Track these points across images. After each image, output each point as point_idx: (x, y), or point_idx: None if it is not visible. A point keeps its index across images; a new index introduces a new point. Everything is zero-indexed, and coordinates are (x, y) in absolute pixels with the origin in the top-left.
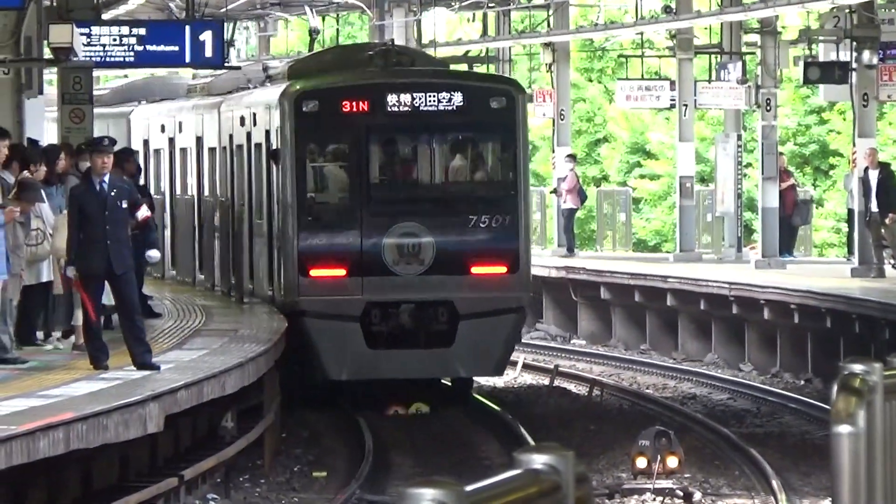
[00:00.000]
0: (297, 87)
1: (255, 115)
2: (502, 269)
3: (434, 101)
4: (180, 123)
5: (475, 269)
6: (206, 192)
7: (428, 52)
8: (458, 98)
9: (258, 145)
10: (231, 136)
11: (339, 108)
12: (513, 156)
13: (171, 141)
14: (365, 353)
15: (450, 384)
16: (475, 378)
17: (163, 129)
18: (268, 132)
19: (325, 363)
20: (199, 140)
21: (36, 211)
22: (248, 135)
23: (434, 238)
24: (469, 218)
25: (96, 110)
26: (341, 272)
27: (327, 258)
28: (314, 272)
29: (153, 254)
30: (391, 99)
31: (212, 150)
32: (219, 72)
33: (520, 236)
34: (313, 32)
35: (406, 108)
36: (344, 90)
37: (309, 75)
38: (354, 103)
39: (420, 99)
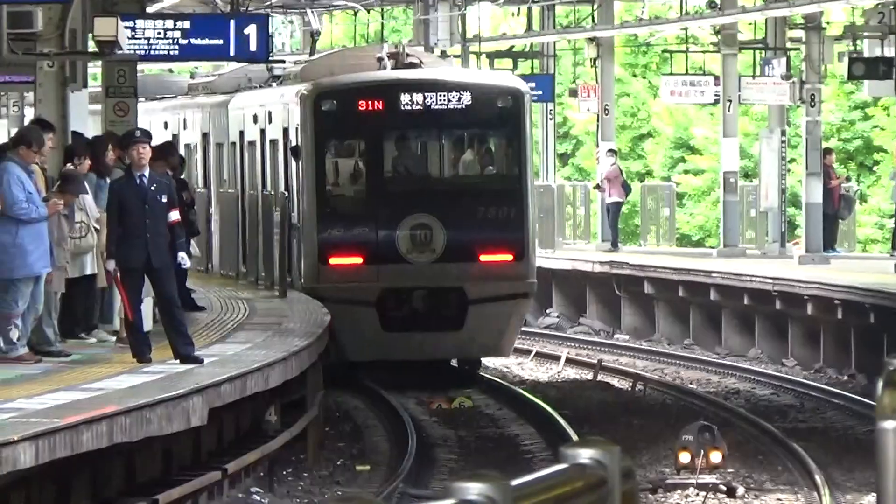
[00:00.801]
0: (317, 86)
1: (270, 112)
2: (509, 258)
3: (444, 99)
4: (184, 120)
5: (483, 258)
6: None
7: (437, 54)
8: (466, 97)
9: (273, 142)
10: (242, 133)
11: (355, 106)
12: (517, 151)
13: (175, 138)
14: (380, 336)
15: (459, 366)
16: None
17: (165, 125)
18: (286, 129)
19: (343, 345)
20: (205, 136)
21: (79, 203)
22: (262, 132)
23: (445, 228)
24: (477, 209)
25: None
26: (358, 260)
27: (345, 247)
28: (333, 260)
29: (183, 259)
30: (404, 98)
31: (219, 145)
32: (220, 70)
33: (525, 226)
34: (315, 34)
35: (418, 107)
36: (360, 90)
37: (320, 76)
38: (370, 102)
39: (431, 98)
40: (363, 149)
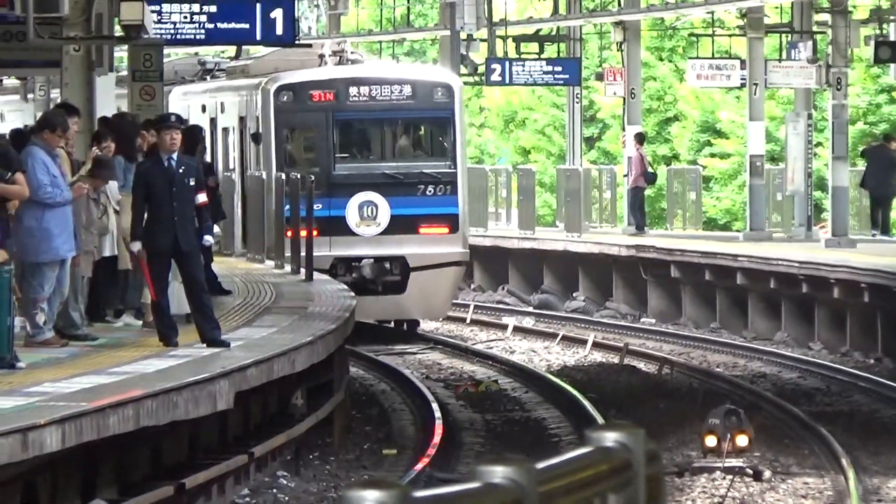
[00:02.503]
0: (275, 80)
1: (222, 103)
2: (444, 230)
3: (387, 92)
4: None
5: (423, 230)
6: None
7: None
8: (407, 89)
9: (226, 129)
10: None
11: (309, 97)
12: (452, 137)
13: None
14: None
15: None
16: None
17: None
18: (242, 118)
19: None
20: None
21: (102, 186)
22: (213, 120)
23: (388, 205)
24: (417, 188)
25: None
26: (314, 233)
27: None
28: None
29: (207, 239)
30: (352, 90)
31: None
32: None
33: (458, 203)
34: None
35: (364, 99)
36: (313, 83)
37: (266, 71)
38: (322, 94)
39: (376, 90)
40: (316, 135)
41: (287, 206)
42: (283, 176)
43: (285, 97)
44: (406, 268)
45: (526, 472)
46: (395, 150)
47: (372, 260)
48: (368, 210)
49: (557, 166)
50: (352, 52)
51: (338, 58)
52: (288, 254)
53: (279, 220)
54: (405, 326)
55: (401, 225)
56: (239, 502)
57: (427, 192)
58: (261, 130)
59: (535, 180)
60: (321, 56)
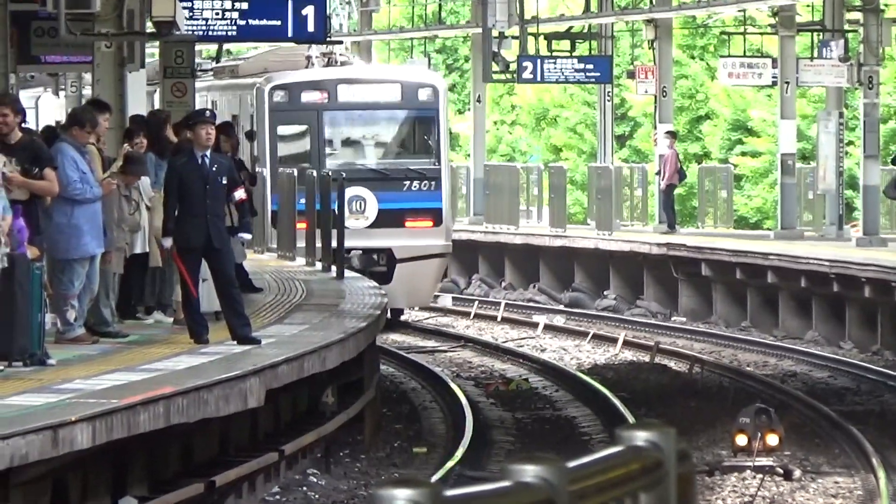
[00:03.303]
0: (269, 80)
1: (214, 102)
2: (429, 224)
3: (376, 92)
4: None
5: (408, 224)
6: None
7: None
8: (395, 90)
9: None
10: None
11: (300, 97)
12: (437, 135)
13: None
14: None
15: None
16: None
17: None
18: (234, 116)
19: None
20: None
21: (134, 183)
22: None
23: (376, 199)
24: (403, 183)
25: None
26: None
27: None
28: None
29: (245, 236)
30: (342, 90)
31: None
32: None
33: (442, 198)
34: (220, 52)
35: (354, 98)
36: (306, 83)
37: (255, 72)
38: (314, 94)
39: (365, 91)
40: (309, 132)
41: (303, 201)
42: (314, 172)
43: (279, 96)
44: (392, 259)
45: (557, 470)
46: (381, 146)
47: (360, 251)
48: (357, 204)
49: (589, 164)
50: (341, 54)
51: (326, 59)
52: (300, 244)
53: (290, 215)
54: (389, 314)
55: (387, 218)
56: (269, 500)
57: (412, 188)
58: (255, 128)
59: (566, 178)
60: (308, 57)
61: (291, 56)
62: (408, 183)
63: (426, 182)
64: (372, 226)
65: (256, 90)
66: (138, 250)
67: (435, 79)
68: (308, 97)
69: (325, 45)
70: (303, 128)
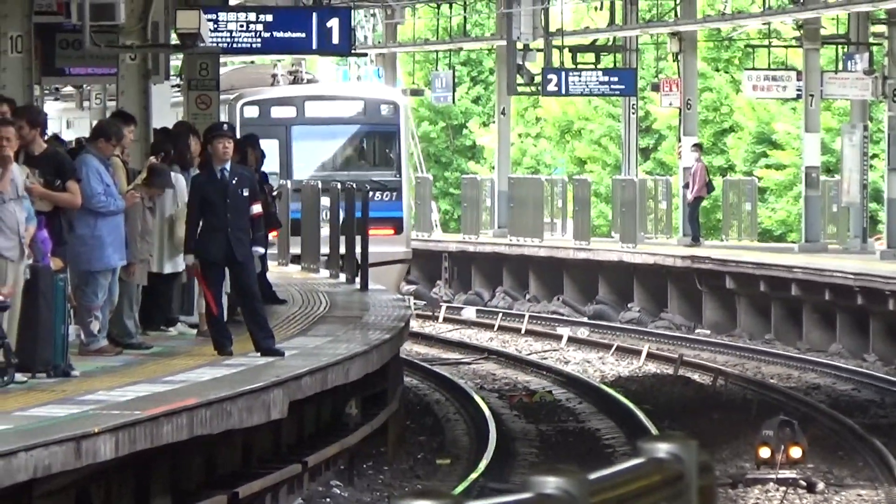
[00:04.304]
0: (240, 96)
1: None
2: (390, 232)
3: (341, 108)
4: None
5: (371, 232)
6: None
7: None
8: (358, 106)
9: None
10: None
11: (270, 112)
12: (397, 148)
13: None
14: None
15: None
16: None
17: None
18: None
19: None
20: None
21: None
22: None
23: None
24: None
25: None
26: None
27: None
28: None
29: (258, 250)
30: (309, 106)
31: None
32: None
33: (402, 207)
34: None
35: (320, 114)
36: (275, 100)
37: (223, 88)
38: (283, 109)
39: (330, 107)
40: (278, 145)
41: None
42: (339, 185)
43: (250, 112)
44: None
45: (578, 482)
46: (346, 159)
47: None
48: (323, 213)
49: (613, 177)
50: (306, 73)
51: (293, 77)
52: (295, 251)
53: (314, 227)
54: None
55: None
56: None
57: (375, 198)
58: None
59: (590, 191)
60: (273, 76)
61: (256, 73)
62: (371, 194)
63: (388, 193)
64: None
65: (228, 106)
66: (168, 270)
67: (396, 95)
68: (278, 113)
69: (291, 64)
70: (273, 142)
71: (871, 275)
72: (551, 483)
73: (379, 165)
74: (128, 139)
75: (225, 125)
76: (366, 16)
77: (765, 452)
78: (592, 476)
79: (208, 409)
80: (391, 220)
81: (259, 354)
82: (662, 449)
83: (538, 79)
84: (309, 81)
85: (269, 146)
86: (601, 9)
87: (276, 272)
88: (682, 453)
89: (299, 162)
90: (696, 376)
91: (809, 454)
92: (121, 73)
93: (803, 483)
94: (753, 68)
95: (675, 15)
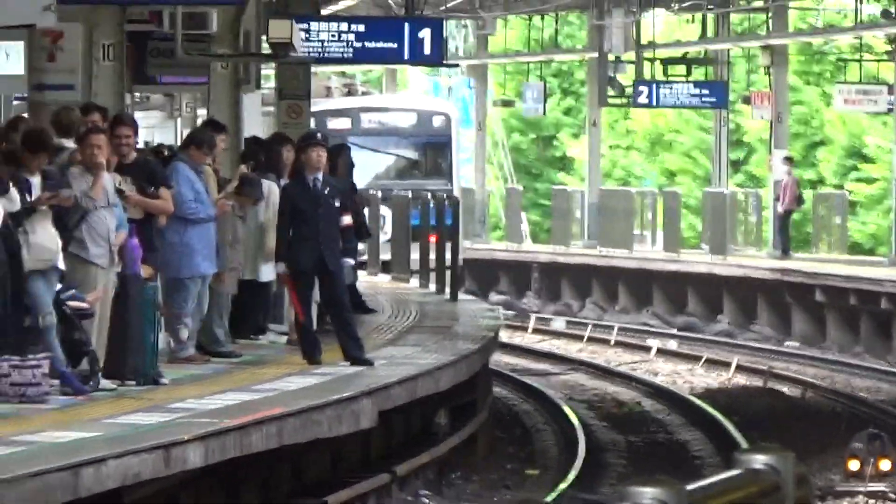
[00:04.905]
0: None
1: None
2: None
3: (395, 119)
4: None
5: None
6: None
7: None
8: (412, 117)
9: None
10: None
11: (327, 123)
12: (450, 158)
13: None
14: None
15: None
16: None
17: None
18: None
19: None
20: None
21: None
22: None
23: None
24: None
25: None
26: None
27: None
28: None
29: (348, 261)
30: (364, 118)
31: None
32: None
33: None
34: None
35: (375, 125)
36: (332, 111)
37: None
38: (339, 121)
39: (385, 118)
40: None
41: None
42: (429, 195)
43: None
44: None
45: (676, 493)
46: (399, 169)
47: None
48: (379, 221)
49: (703, 189)
50: (360, 85)
51: (347, 89)
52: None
53: (404, 237)
54: None
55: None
56: None
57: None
58: None
59: (680, 203)
60: (328, 88)
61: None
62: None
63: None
64: (391, 240)
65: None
66: (264, 279)
67: (448, 107)
68: (333, 124)
69: (345, 77)
70: None
71: None
72: (648, 493)
73: (431, 175)
74: (219, 148)
75: (318, 133)
76: (457, 26)
77: (854, 465)
78: (690, 486)
79: (297, 418)
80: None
81: (348, 364)
82: (759, 460)
83: (629, 90)
84: (364, 94)
85: None
86: (693, 21)
87: (366, 282)
88: (778, 465)
89: (354, 172)
90: (785, 389)
91: None
92: (212, 82)
93: (892, 496)
94: (845, 82)
95: (767, 28)
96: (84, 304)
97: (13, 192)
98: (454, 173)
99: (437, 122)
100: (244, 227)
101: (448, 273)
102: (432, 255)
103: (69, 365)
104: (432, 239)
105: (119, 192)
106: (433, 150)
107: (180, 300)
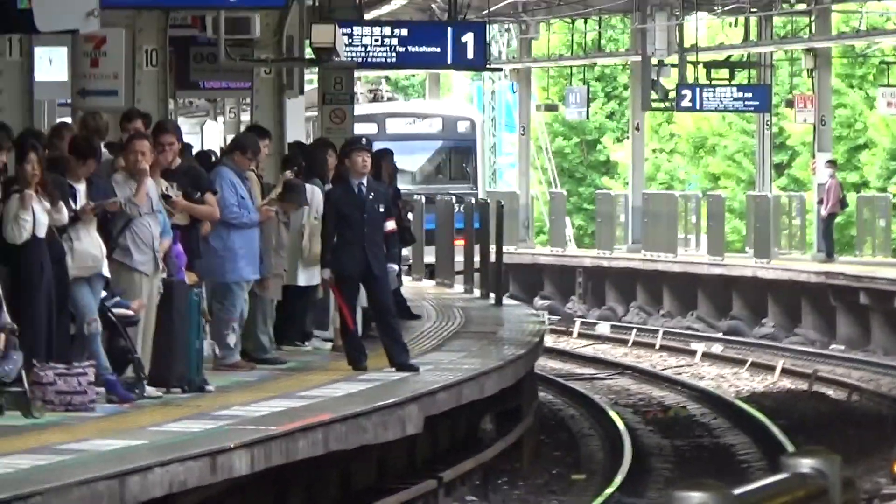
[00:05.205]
0: None
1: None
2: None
3: (420, 125)
4: None
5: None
6: None
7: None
8: (437, 123)
9: None
10: None
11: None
12: (474, 162)
13: None
14: None
15: None
16: None
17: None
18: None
19: None
20: None
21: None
22: None
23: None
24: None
25: None
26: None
27: None
28: None
29: (393, 267)
30: (390, 123)
31: None
32: None
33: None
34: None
35: (401, 131)
36: (358, 117)
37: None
38: (364, 126)
39: (412, 123)
40: None
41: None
42: (473, 200)
43: None
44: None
45: (722, 497)
46: (425, 173)
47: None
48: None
49: (747, 192)
50: (386, 91)
51: (373, 95)
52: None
53: (448, 242)
54: None
55: (431, 237)
56: None
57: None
58: None
59: (724, 206)
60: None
61: None
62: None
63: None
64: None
65: (313, 122)
66: (302, 283)
67: (472, 113)
68: (359, 129)
69: (371, 84)
70: None
71: None
72: (695, 498)
73: (456, 179)
74: (263, 153)
75: (364, 138)
76: (500, 31)
77: None
78: (737, 491)
79: (343, 425)
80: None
81: (394, 369)
82: (805, 464)
83: (672, 94)
84: (389, 99)
85: None
86: (735, 25)
87: (411, 287)
88: (825, 468)
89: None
90: (830, 392)
91: None
92: (255, 87)
93: None
94: (888, 85)
95: (810, 31)
96: (129, 312)
97: (61, 207)
98: (479, 177)
99: (462, 127)
100: (288, 232)
101: (491, 277)
102: (476, 259)
103: (114, 373)
104: (458, 243)
105: (166, 197)
106: (458, 154)
107: (228, 305)
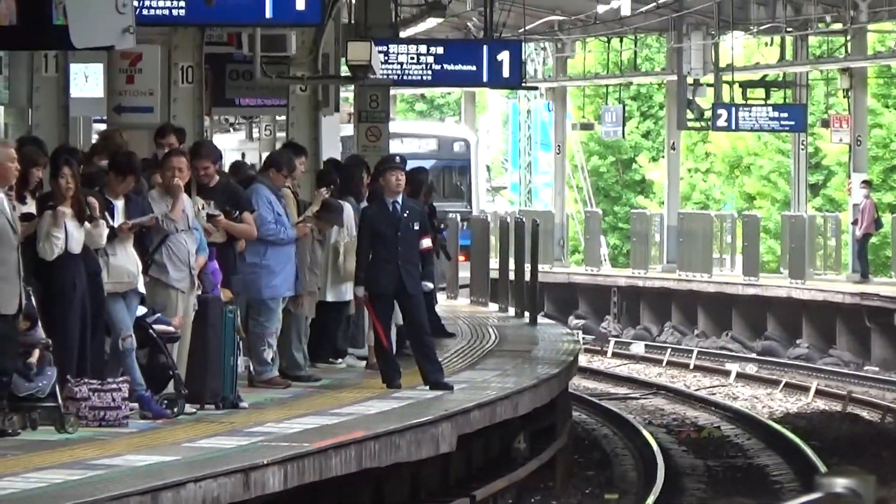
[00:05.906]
0: None
1: (244, 153)
2: (462, 258)
3: (417, 145)
4: None
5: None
6: None
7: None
8: (433, 143)
9: None
10: None
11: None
12: (469, 180)
13: None
14: None
15: None
16: None
17: None
18: None
19: None
20: None
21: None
22: None
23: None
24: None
25: None
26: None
27: None
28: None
29: (427, 285)
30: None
31: None
32: None
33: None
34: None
35: (397, 151)
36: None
37: None
38: None
39: (407, 143)
40: None
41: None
42: (510, 219)
43: None
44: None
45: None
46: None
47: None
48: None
49: (782, 213)
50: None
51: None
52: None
53: (484, 261)
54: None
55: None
56: None
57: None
58: None
59: (759, 226)
60: (350, 114)
61: None
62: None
63: (460, 223)
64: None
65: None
66: (330, 299)
67: (467, 133)
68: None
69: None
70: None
71: None
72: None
73: (450, 197)
74: (298, 171)
75: (397, 157)
76: (536, 49)
77: None
78: None
79: (377, 442)
80: (463, 248)
81: (428, 388)
82: (840, 484)
83: (708, 114)
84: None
85: None
86: (771, 44)
87: (445, 305)
88: (860, 489)
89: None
90: (864, 413)
91: None
92: (291, 105)
93: None
94: None
95: (846, 51)
96: (170, 328)
97: (101, 223)
98: (473, 196)
99: (457, 147)
100: (323, 250)
101: (526, 296)
102: (511, 277)
103: (150, 389)
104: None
105: (210, 216)
106: (453, 173)
107: (264, 321)
